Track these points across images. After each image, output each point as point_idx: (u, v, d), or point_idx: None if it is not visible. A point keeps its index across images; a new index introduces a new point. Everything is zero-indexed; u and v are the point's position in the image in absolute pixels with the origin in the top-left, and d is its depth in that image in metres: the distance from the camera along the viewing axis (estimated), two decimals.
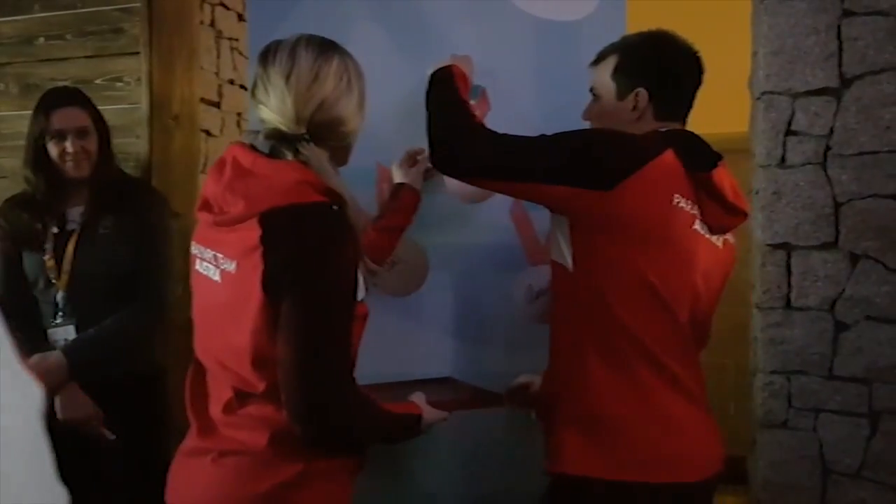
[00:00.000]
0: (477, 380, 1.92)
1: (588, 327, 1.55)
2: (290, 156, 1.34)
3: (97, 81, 2.62)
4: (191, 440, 1.43)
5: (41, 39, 2.71)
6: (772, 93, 2.10)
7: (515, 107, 1.93)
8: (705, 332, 1.68)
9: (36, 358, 2.08)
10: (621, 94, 1.64)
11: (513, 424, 1.92)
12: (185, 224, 2.50)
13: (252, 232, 1.27)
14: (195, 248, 1.41)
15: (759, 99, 2.13)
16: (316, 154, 1.35)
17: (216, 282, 1.33)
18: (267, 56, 1.39)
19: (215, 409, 1.39)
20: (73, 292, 2.18)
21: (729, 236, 1.63)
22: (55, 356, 2.08)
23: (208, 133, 2.98)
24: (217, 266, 1.33)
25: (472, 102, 1.73)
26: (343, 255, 1.30)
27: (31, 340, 2.15)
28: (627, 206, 1.48)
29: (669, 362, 1.53)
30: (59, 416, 2.05)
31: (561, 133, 1.56)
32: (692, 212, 1.54)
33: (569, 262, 1.56)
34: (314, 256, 1.27)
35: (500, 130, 1.59)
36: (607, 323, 1.52)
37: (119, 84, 2.61)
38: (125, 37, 2.60)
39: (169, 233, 2.34)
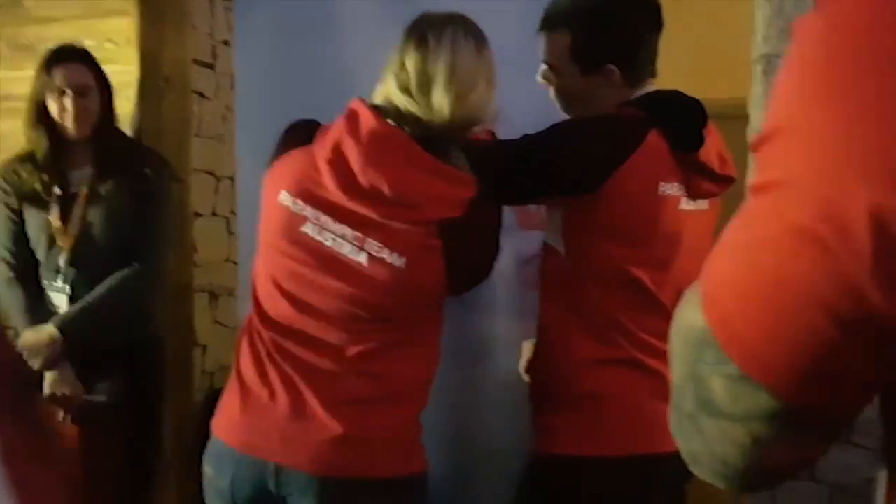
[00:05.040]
0: (462, 343, 1.91)
1: (576, 311, 1.55)
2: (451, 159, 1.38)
3: (87, 42, 2.56)
4: None
5: (30, 1, 2.67)
6: (769, 55, 2.05)
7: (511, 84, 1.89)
8: None
9: (29, 333, 2.07)
10: (586, 72, 1.57)
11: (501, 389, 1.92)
12: (176, 188, 2.49)
13: (430, 238, 1.36)
14: (297, 206, 1.39)
15: (756, 62, 2.09)
16: (460, 157, 1.40)
17: (355, 261, 1.36)
18: (424, 43, 1.37)
19: None
20: (77, 256, 2.17)
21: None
22: (48, 331, 2.07)
23: (202, 95, 2.95)
24: (362, 248, 1.36)
25: None
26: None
27: (31, 302, 2.15)
28: (612, 205, 1.47)
29: (659, 345, 1.50)
30: (45, 391, 2.06)
31: (535, 142, 1.51)
32: (678, 193, 1.52)
33: (562, 249, 1.56)
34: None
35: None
36: (595, 310, 1.53)
37: (108, 45, 2.57)
38: None
39: (170, 198, 2.32)
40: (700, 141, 1.52)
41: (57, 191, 2.18)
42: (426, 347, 1.47)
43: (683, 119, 1.54)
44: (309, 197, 1.39)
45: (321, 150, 1.39)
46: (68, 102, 2.14)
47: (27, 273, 2.19)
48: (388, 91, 1.41)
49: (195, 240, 2.81)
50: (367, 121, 1.37)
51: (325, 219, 1.38)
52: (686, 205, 1.55)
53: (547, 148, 1.50)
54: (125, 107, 2.54)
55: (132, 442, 2.17)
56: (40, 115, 2.17)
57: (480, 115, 1.42)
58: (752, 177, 0.54)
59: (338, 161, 1.36)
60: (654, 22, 1.58)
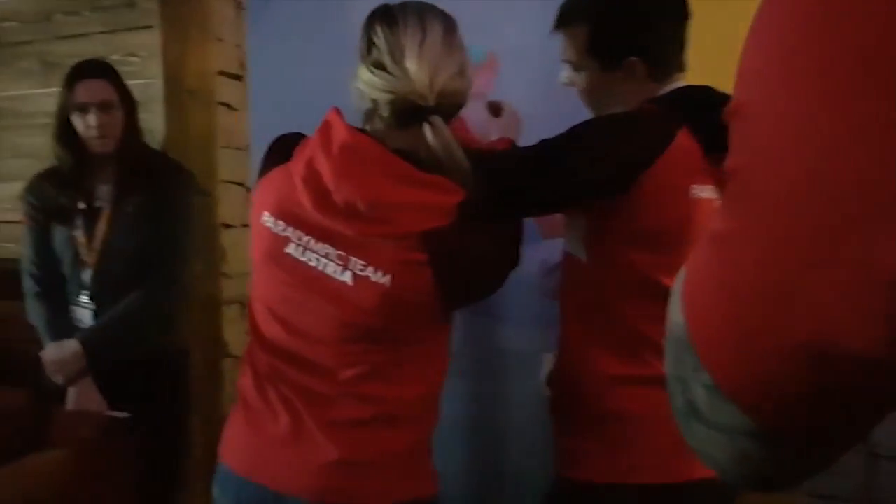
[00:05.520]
0: (486, 355, 1.86)
1: (600, 323, 1.46)
2: (422, 126, 1.28)
3: (113, 57, 2.58)
4: None
5: (59, 16, 2.70)
6: None
7: (524, 78, 1.83)
8: None
9: (52, 348, 2.08)
10: (608, 67, 1.48)
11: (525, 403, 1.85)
12: (203, 200, 2.48)
13: (413, 252, 1.27)
14: (278, 226, 1.34)
15: None
16: (445, 130, 1.30)
17: (339, 281, 1.30)
18: (393, 21, 1.31)
19: None
20: (101, 271, 2.17)
21: None
22: (72, 346, 2.08)
23: (229, 106, 2.94)
24: (346, 267, 1.29)
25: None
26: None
27: (55, 317, 2.16)
28: (639, 209, 1.38)
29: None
30: (70, 407, 2.06)
31: (553, 147, 1.42)
32: (711, 196, 1.42)
33: (583, 255, 1.47)
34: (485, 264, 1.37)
35: (509, 99, 1.49)
36: (620, 322, 1.43)
37: (134, 59, 2.58)
38: (138, 10, 2.58)
39: (192, 210, 2.32)
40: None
41: (82, 206, 2.19)
42: (425, 366, 1.40)
43: (716, 117, 1.45)
44: (290, 217, 1.33)
45: (297, 166, 1.34)
46: (91, 118, 2.14)
47: (53, 288, 2.20)
48: (360, 81, 1.33)
49: (224, 251, 2.80)
50: (339, 133, 1.30)
51: (307, 238, 1.32)
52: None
53: (566, 152, 1.41)
54: (152, 120, 2.56)
55: (157, 456, 2.16)
56: (65, 132, 2.18)
57: (459, 83, 1.33)
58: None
59: (312, 178, 1.30)
60: (679, 11, 1.49)
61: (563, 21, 1.52)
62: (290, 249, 1.33)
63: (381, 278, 1.28)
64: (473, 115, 1.67)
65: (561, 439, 1.52)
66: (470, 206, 1.32)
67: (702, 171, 1.40)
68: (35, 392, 2.24)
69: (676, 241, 1.40)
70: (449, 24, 1.34)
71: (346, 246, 1.30)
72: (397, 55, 1.28)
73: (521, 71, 1.78)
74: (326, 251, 1.31)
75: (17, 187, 2.34)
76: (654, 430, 1.37)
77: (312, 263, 1.31)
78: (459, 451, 1.88)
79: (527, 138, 1.68)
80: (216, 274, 2.74)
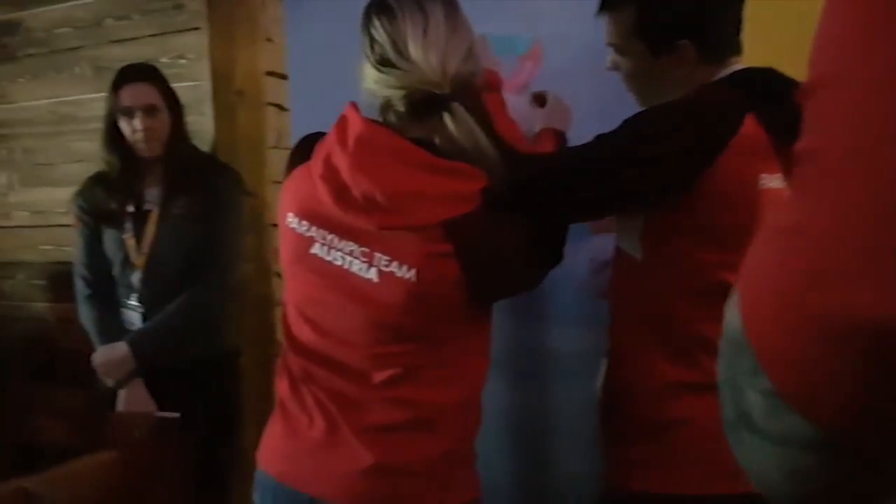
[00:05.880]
0: (530, 357, 1.80)
1: (656, 327, 1.38)
2: (441, 117, 1.23)
3: (162, 60, 2.61)
4: None
5: (109, 21, 2.73)
6: None
7: (570, 67, 1.77)
8: None
9: (102, 350, 2.10)
10: (657, 51, 1.40)
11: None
12: (253, 201, 2.48)
13: (437, 243, 1.22)
14: (303, 227, 1.31)
15: None
16: (466, 116, 1.24)
17: (365, 279, 1.26)
18: (389, 10, 1.26)
19: None
20: (150, 274, 2.19)
21: None
22: (121, 349, 2.09)
23: (280, 107, 2.94)
24: (371, 264, 1.25)
25: (516, 56, 1.59)
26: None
27: (106, 320, 2.18)
28: (705, 202, 1.29)
29: None
30: (120, 408, 2.07)
31: (609, 144, 1.33)
32: (780, 185, 1.33)
33: (639, 253, 1.39)
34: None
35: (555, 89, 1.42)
36: (679, 325, 1.35)
37: (182, 61, 2.59)
38: (186, 12, 2.58)
39: (240, 211, 2.31)
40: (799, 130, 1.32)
41: (131, 209, 2.20)
42: (462, 368, 1.34)
43: (782, 101, 1.35)
44: (313, 216, 1.30)
45: (316, 164, 1.30)
46: (137, 122, 2.16)
47: (104, 291, 2.22)
48: (368, 80, 1.29)
49: (276, 251, 2.79)
50: (354, 125, 1.26)
51: (331, 237, 1.29)
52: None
53: (623, 151, 1.32)
54: (200, 122, 2.56)
55: (207, 457, 2.16)
56: (113, 136, 2.20)
57: (472, 63, 1.27)
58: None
59: (330, 174, 1.27)
60: None
61: (610, 2, 1.45)
62: (316, 249, 1.30)
63: (406, 273, 1.24)
64: (518, 107, 1.62)
65: (614, 448, 1.46)
66: (494, 192, 1.26)
67: (770, 159, 1.31)
68: (93, 393, 2.27)
69: (743, 236, 1.31)
70: (450, 4, 1.28)
71: (369, 241, 1.26)
72: (401, 46, 1.24)
73: (567, 60, 1.72)
74: (351, 248, 1.27)
75: (73, 192, 2.38)
76: (714, 439, 1.31)
77: (338, 262, 1.28)
78: (503, 458, 1.83)
79: (574, 129, 1.63)
80: (268, 274, 2.74)
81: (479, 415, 1.39)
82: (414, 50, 1.23)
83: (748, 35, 1.42)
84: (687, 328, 1.34)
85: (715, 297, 1.26)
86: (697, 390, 1.32)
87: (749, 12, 1.41)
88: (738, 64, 1.42)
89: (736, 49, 1.42)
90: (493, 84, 1.50)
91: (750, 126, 1.30)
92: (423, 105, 1.24)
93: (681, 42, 1.37)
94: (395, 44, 1.24)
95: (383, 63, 1.26)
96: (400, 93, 1.25)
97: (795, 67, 1.32)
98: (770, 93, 1.35)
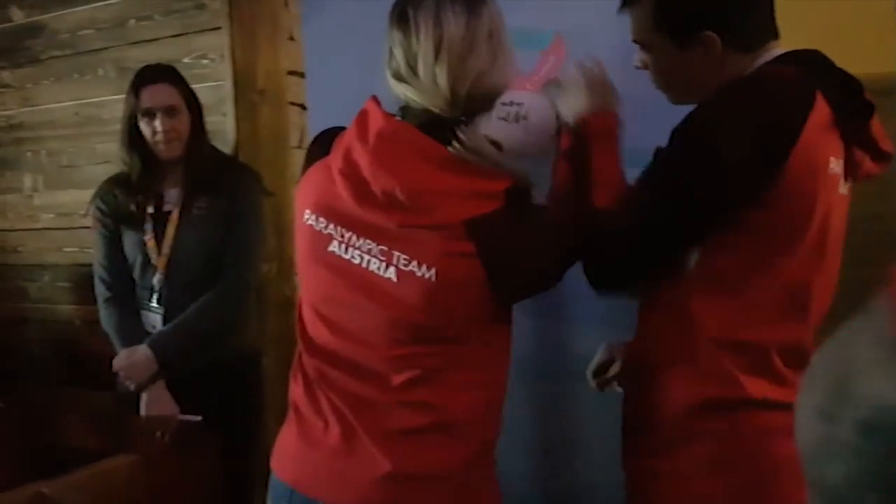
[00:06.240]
0: (553, 359, 1.75)
1: (686, 339, 1.27)
2: (451, 146, 1.20)
3: (185, 60, 2.60)
4: None
5: (132, 22, 2.72)
6: None
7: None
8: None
9: (124, 353, 2.09)
10: (682, 44, 1.31)
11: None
12: (275, 201, 2.46)
13: (459, 242, 1.18)
14: (320, 224, 1.27)
15: None
16: (476, 138, 1.21)
17: (384, 278, 1.22)
18: (405, 21, 1.22)
19: None
20: (170, 275, 2.17)
21: None
22: (142, 351, 2.08)
23: (302, 107, 2.92)
24: (390, 263, 1.22)
25: (539, 51, 1.55)
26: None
27: (126, 323, 2.16)
28: (785, 198, 1.19)
29: (791, 377, 1.26)
30: (143, 412, 2.06)
31: (681, 161, 1.23)
32: (839, 172, 1.26)
33: (692, 262, 1.27)
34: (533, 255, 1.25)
35: None
36: (711, 336, 1.25)
37: (204, 61, 2.58)
38: (207, 12, 2.57)
39: (261, 211, 2.29)
40: (870, 108, 1.24)
41: (151, 210, 2.19)
42: (483, 370, 1.30)
43: (845, 79, 1.25)
44: (331, 213, 1.26)
45: (335, 160, 1.26)
46: (158, 124, 2.14)
47: (124, 293, 2.21)
48: (389, 86, 1.26)
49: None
50: (376, 120, 1.22)
51: (349, 235, 1.25)
52: (843, 188, 1.28)
53: (693, 167, 1.21)
54: (223, 122, 2.55)
55: (229, 460, 2.14)
56: (132, 137, 2.19)
57: (489, 80, 1.23)
58: None
59: (349, 170, 1.23)
60: None
61: (627, 1, 1.38)
62: (334, 247, 1.26)
63: (425, 273, 1.20)
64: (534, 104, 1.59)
65: (636, 460, 1.39)
66: (518, 192, 1.23)
67: (836, 142, 1.24)
68: (117, 396, 2.26)
69: (810, 228, 1.22)
70: (473, 7, 1.22)
71: (388, 240, 1.22)
72: (412, 64, 1.21)
73: (592, 53, 1.67)
74: (369, 247, 1.23)
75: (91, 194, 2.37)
76: (736, 453, 1.26)
77: (356, 261, 1.24)
78: (524, 465, 1.78)
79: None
80: (290, 275, 2.72)
81: (500, 418, 1.35)
82: (423, 70, 1.20)
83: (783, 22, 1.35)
84: (734, 341, 1.26)
85: (781, 300, 1.24)
86: (732, 407, 1.26)
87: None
88: (778, 49, 1.33)
89: (771, 33, 1.33)
90: (590, 129, 1.40)
91: (821, 109, 1.21)
92: (430, 125, 1.22)
93: (704, 33, 1.29)
94: (407, 61, 1.22)
95: (396, 77, 1.24)
96: (414, 107, 1.23)
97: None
98: (830, 71, 1.27)
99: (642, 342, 1.40)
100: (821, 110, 1.21)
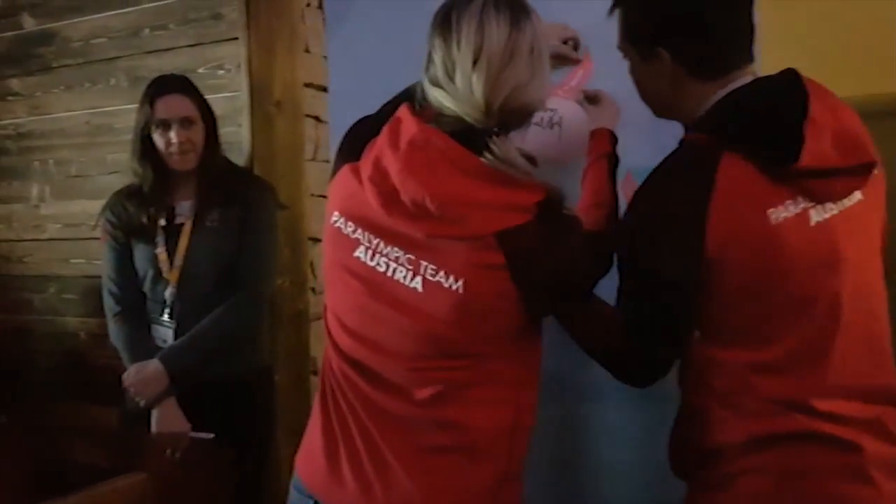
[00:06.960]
0: (582, 377, 1.70)
1: (723, 392, 1.27)
2: (483, 156, 1.17)
3: (200, 70, 2.56)
4: None
5: (146, 31, 2.69)
6: None
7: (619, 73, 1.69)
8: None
9: (134, 369, 2.04)
10: (644, 56, 1.32)
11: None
12: (290, 214, 2.42)
13: (489, 253, 1.15)
14: (349, 228, 1.24)
15: None
16: (508, 149, 1.18)
17: (409, 288, 1.19)
18: (447, 26, 1.19)
19: None
20: (182, 288, 2.13)
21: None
22: (153, 366, 2.03)
23: (318, 119, 2.88)
24: (416, 273, 1.18)
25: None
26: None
27: (136, 337, 2.12)
28: (723, 268, 1.21)
29: (823, 407, 1.22)
30: (154, 429, 2.01)
31: (631, 282, 1.28)
32: (802, 208, 1.22)
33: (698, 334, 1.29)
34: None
35: None
36: (747, 388, 1.25)
37: (220, 72, 2.55)
38: (224, 22, 2.54)
39: (274, 224, 2.25)
40: (796, 146, 1.18)
41: (162, 223, 2.15)
42: (511, 388, 1.25)
43: (765, 123, 1.22)
44: (359, 219, 1.23)
45: (365, 165, 1.23)
46: (172, 135, 2.10)
47: (134, 307, 2.16)
48: (426, 91, 1.23)
49: (312, 266, 2.73)
50: (408, 128, 1.19)
51: (377, 241, 1.21)
52: (821, 214, 1.23)
53: (641, 285, 1.27)
54: (238, 133, 2.51)
55: (241, 476, 2.09)
56: (145, 148, 2.15)
57: (525, 95, 1.19)
58: None
59: (379, 177, 1.19)
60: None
61: (612, 5, 1.39)
62: (360, 253, 1.23)
63: (453, 284, 1.16)
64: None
65: (694, 495, 1.34)
66: (551, 205, 1.19)
67: (773, 187, 1.21)
68: (123, 413, 2.20)
69: (779, 279, 1.21)
70: (517, 20, 1.19)
71: (415, 249, 1.18)
72: (450, 71, 1.18)
73: (616, 67, 1.66)
74: (396, 255, 1.20)
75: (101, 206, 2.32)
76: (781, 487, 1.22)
77: (381, 269, 1.21)
78: (553, 488, 1.73)
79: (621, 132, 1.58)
80: (303, 289, 2.68)
81: (527, 442, 1.30)
82: (460, 77, 1.17)
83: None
84: (758, 392, 1.24)
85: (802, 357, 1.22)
86: (770, 442, 1.23)
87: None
88: (748, 75, 1.30)
89: (738, 61, 1.30)
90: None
91: (730, 167, 1.20)
92: (463, 134, 1.18)
93: (657, 49, 1.29)
94: (445, 66, 1.19)
95: (434, 83, 1.22)
96: (448, 115, 1.20)
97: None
98: (752, 117, 1.24)
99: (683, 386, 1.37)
100: (729, 175, 1.20)
